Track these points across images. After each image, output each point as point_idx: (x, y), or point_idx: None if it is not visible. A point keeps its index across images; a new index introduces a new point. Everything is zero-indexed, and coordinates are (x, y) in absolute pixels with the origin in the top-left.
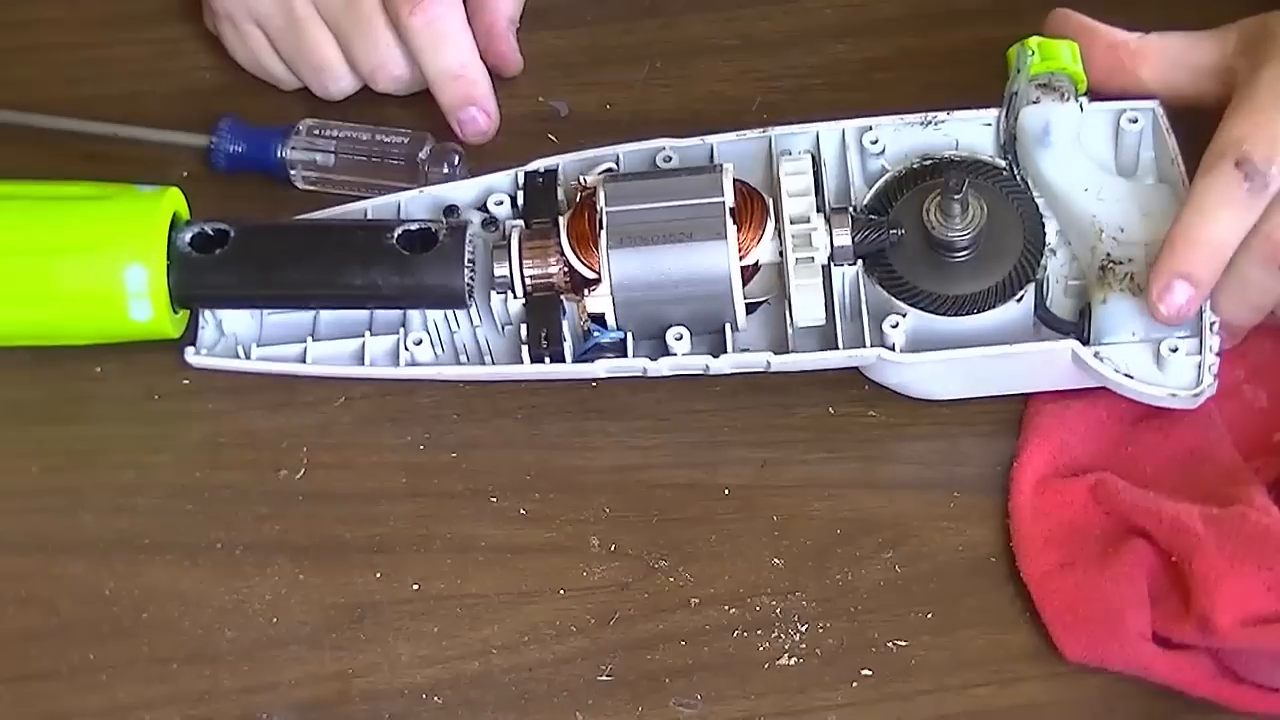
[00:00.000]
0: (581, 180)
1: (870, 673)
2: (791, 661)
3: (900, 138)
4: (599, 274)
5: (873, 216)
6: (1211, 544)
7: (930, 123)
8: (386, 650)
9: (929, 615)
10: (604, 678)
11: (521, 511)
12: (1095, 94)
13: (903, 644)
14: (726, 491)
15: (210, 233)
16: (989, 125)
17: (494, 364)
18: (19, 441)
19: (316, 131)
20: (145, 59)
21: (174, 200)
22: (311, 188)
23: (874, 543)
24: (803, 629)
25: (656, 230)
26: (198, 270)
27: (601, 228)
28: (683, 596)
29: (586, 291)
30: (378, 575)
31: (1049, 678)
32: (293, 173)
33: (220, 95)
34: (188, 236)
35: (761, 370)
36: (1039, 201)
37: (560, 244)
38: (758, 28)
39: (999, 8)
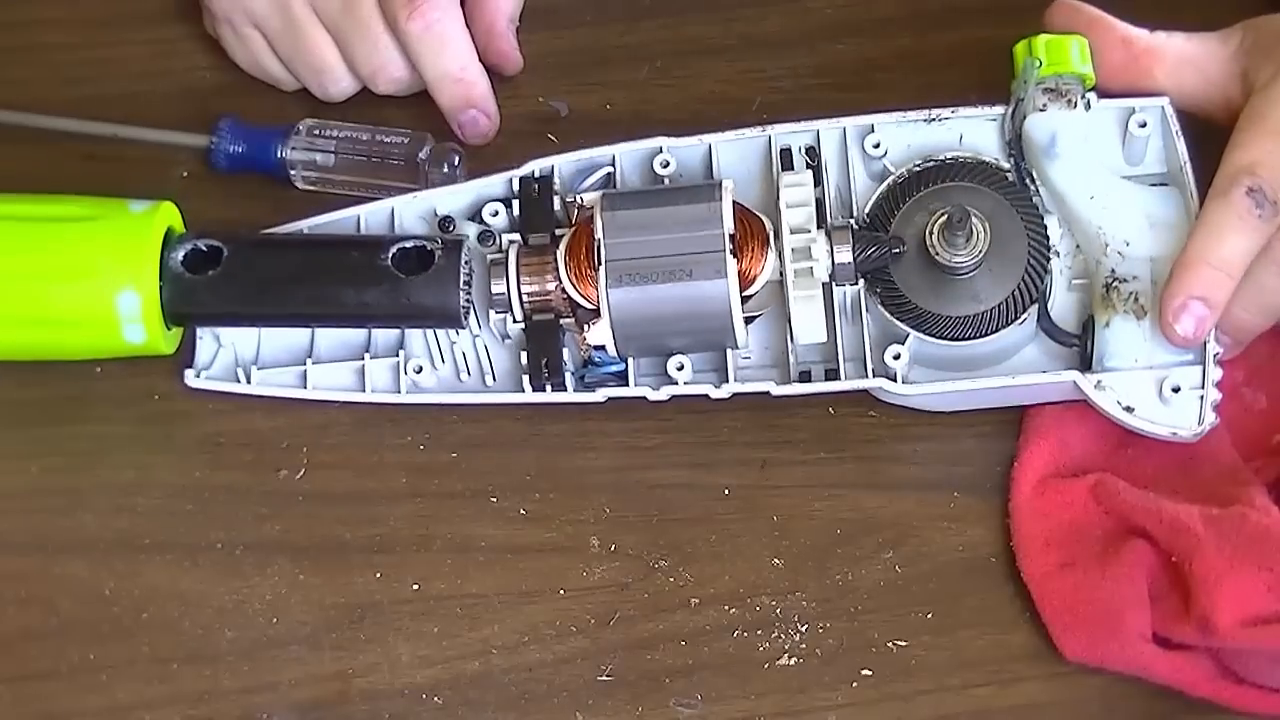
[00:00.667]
0: (579, 199)
1: (870, 673)
2: (791, 661)
3: (903, 135)
4: (597, 308)
5: (876, 234)
6: (1211, 544)
7: (935, 119)
8: (386, 650)
9: (929, 615)
10: (604, 678)
11: (521, 512)
12: (1102, 91)
13: (903, 644)
14: (726, 492)
15: (204, 249)
16: (994, 121)
17: (494, 375)
18: (19, 442)
19: (316, 132)
20: (145, 59)
21: (167, 216)
22: (311, 188)
23: (874, 543)
24: (803, 629)
25: (655, 268)
26: (190, 290)
27: (600, 263)
28: (683, 597)
29: (587, 326)
30: (378, 575)
31: (1049, 678)
32: (293, 173)
33: (220, 95)
34: (180, 255)
35: (764, 390)
36: (1043, 195)
37: (557, 269)
38: (758, 28)
39: (999, 7)
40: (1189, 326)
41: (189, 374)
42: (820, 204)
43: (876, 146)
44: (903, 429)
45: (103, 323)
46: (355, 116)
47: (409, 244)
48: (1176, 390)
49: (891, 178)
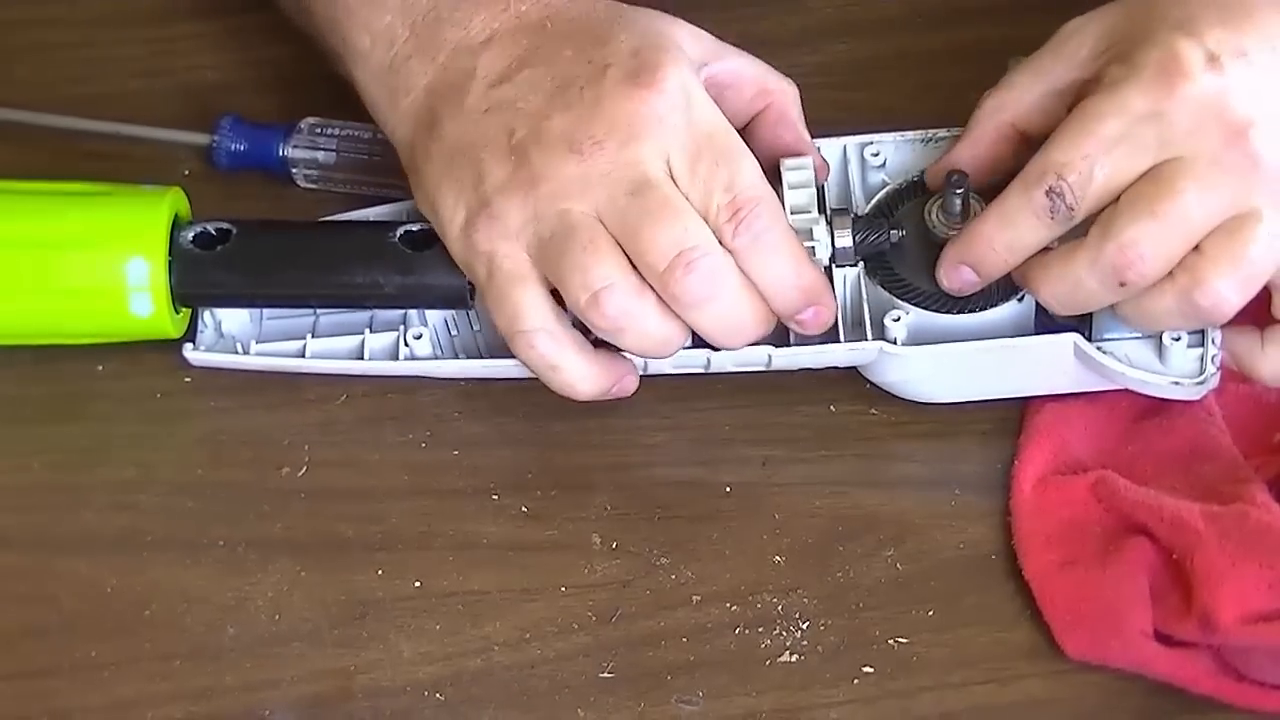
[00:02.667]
0: None
1: (871, 670)
2: (793, 659)
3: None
4: None
5: (875, 219)
6: (1213, 542)
7: (931, 140)
8: (388, 647)
9: (930, 613)
10: (606, 675)
11: (523, 509)
12: None
13: (904, 641)
14: (728, 489)
15: (213, 232)
16: None
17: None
18: (21, 439)
19: (318, 130)
20: (145, 58)
21: (177, 199)
22: (313, 186)
23: (875, 540)
24: (804, 626)
25: None
26: (199, 266)
27: None
28: (684, 594)
29: None
30: (380, 572)
31: (1049, 675)
32: (294, 171)
33: (221, 93)
34: (190, 235)
35: (763, 368)
36: None
37: None
38: (758, 28)
39: (999, 7)
40: (955, 284)
41: (188, 347)
42: (820, 196)
43: (875, 155)
44: (903, 427)
45: (110, 292)
46: (357, 115)
47: (415, 227)
48: (1178, 339)
49: (890, 186)
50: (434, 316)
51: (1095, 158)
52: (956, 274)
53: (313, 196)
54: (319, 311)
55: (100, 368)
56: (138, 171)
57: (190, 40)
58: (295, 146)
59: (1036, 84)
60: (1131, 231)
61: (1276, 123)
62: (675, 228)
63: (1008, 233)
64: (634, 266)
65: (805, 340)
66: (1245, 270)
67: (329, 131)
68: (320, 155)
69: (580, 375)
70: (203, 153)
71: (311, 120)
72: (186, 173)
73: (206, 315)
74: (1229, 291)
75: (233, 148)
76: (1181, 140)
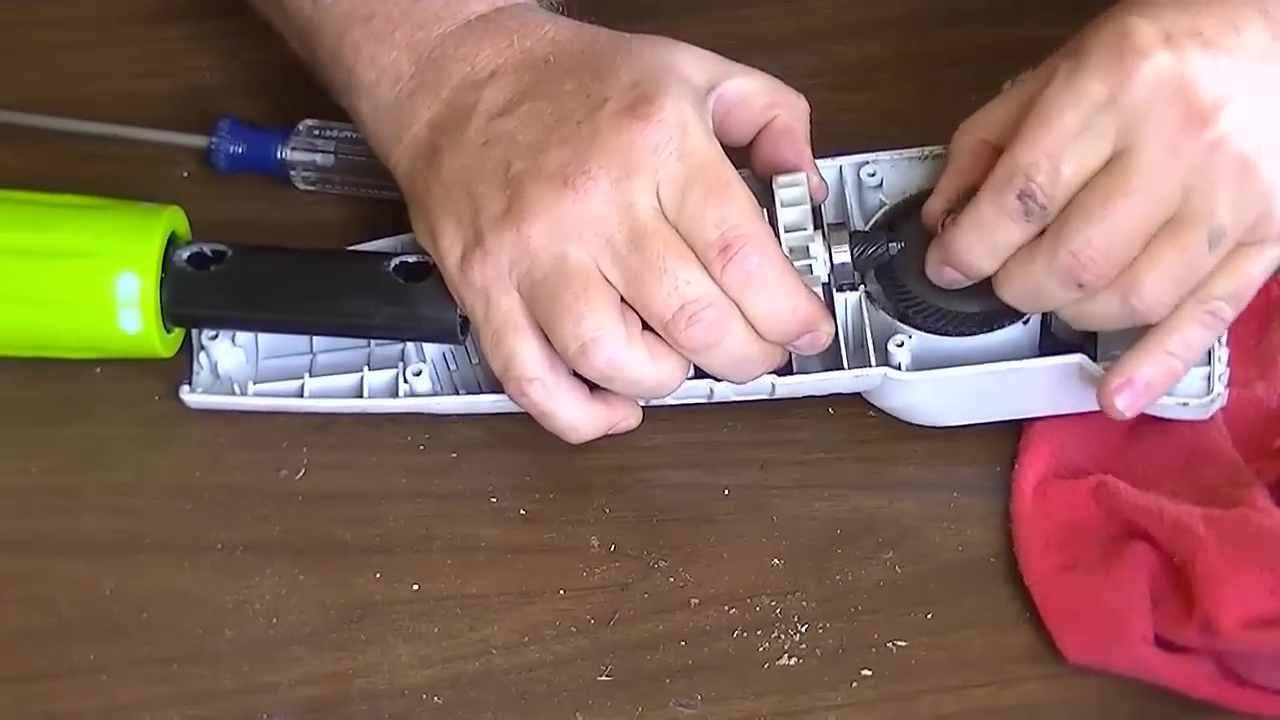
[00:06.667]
0: None
1: (870, 673)
2: (791, 661)
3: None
4: None
5: (872, 232)
6: (1214, 546)
7: (928, 156)
8: (386, 650)
9: (929, 615)
10: (604, 678)
11: (521, 512)
12: None
13: (902, 644)
14: (726, 492)
15: (208, 253)
16: None
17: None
18: (19, 442)
19: (317, 132)
20: (145, 59)
21: (174, 218)
22: (311, 188)
23: (874, 543)
24: (802, 629)
25: None
26: (191, 286)
27: None
28: (682, 597)
29: None
30: (377, 575)
31: (1048, 678)
32: (293, 173)
33: (220, 95)
34: (185, 254)
35: (766, 396)
36: None
37: None
38: (758, 28)
39: (999, 7)
40: (942, 282)
41: (184, 389)
42: (817, 214)
43: (872, 175)
44: (903, 429)
45: (99, 305)
46: None
47: (411, 259)
48: None
49: (888, 206)
50: (433, 352)
51: (1059, 154)
52: (942, 274)
53: (311, 198)
54: (316, 350)
55: (98, 370)
56: (136, 174)
57: (188, 42)
58: (294, 149)
59: (1007, 100)
60: (1083, 236)
61: (1248, 106)
62: (676, 281)
63: (986, 238)
64: (626, 304)
65: (808, 368)
66: (1182, 273)
67: (328, 134)
68: (319, 157)
69: (573, 422)
70: (201, 155)
71: (310, 122)
72: (185, 175)
73: (202, 356)
74: (1164, 293)
75: (231, 150)
76: (1139, 125)
